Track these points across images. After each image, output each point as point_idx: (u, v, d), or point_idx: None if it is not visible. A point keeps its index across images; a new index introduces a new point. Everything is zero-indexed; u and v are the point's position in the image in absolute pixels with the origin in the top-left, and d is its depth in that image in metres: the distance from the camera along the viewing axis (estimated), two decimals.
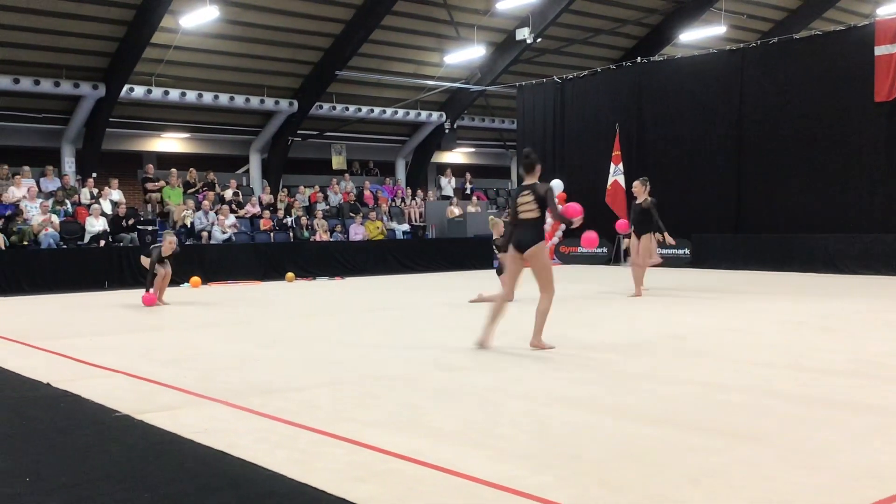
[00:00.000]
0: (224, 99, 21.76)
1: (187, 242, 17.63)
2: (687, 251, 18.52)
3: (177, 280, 15.33)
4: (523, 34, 22.22)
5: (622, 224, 12.08)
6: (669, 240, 12.16)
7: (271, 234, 19.13)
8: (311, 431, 4.48)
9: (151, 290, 11.73)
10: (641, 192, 11.87)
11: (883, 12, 21.72)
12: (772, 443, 4.11)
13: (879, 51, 15.72)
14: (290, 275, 16.42)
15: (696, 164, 18.69)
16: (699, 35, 24.73)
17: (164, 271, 11.91)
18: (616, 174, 19.42)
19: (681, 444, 4.10)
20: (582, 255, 20.78)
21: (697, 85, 18.75)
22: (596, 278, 15.62)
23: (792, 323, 8.80)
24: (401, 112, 25.04)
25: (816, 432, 4.30)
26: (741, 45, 19.76)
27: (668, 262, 18.56)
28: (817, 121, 16.69)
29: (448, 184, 26.09)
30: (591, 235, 10.40)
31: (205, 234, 17.92)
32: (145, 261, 11.88)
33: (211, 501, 3.45)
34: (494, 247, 11.80)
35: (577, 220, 7.75)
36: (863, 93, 15.93)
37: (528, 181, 7.33)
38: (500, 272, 11.67)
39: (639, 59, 20.82)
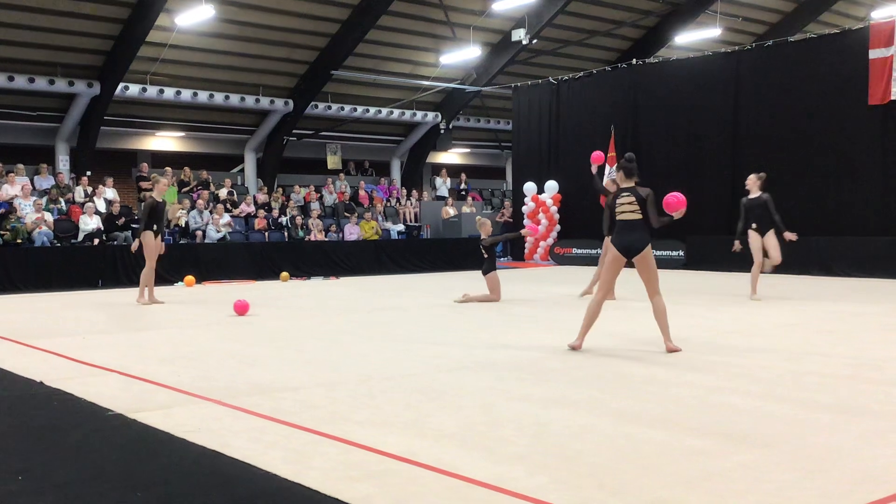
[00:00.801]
0: (219, 98, 21.72)
1: (182, 241, 17.60)
2: (681, 253, 18.54)
3: (171, 279, 15.33)
4: (519, 35, 22.25)
5: (597, 156, 10.93)
6: (790, 236, 11.37)
7: (266, 234, 19.10)
8: (306, 431, 4.46)
9: (145, 294, 11.63)
10: (755, 185, 11.41)
11: (877, 16, 21.76)
12: (772, 446, 4.10)
13: (873, 54, 15.76)
14: (284, 274, 16.38)
15: (690, 167, 18.70)
16: (694, 37, 24.78)
17: (158, 244, 11.62)
18: (611, 175, 19.38)
19: (680, 448, 4.09)
20: (576, 255, 20.78)
21: (692, 87, 18.77)
22: (589, 279, 15.58)
23: (790, 326, 8.80)
24: (396, 112, 25.03)
25: (817, 436, 4.29)
26: (736, 47, 19.80)
27: (662, 264, 18.57)
28: (812, 123, 16.72)
29: (443, 184, 26.10)
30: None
31: (199, 233, 17.87)
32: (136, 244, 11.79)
33: (203, 501, 3.43)
34: (482, 247, 11.76)
35: (681, 213, 7.64)
36: (857, 96, 15.97)
37: (626, 185, 7.34)
38: (485, 273, 11.67)
39: (634, 61, 20.84)
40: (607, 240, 7.33)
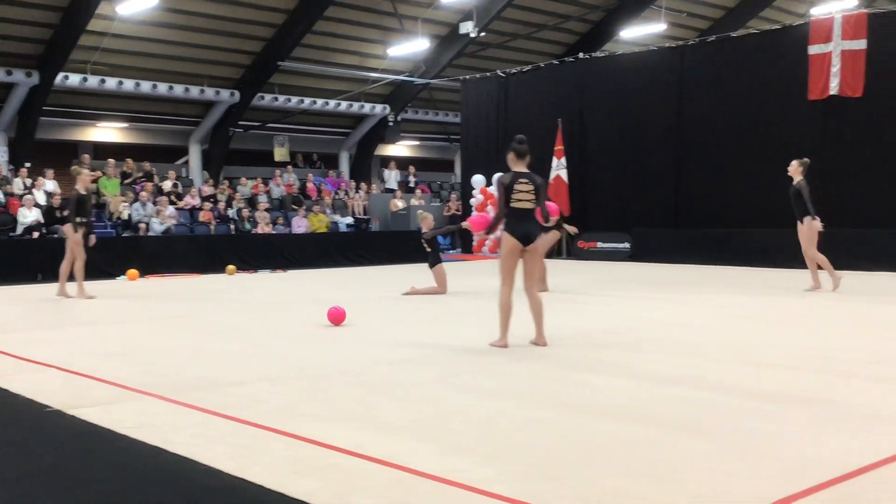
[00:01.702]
0: (163, 88, 21.33)
1: (124, 234, 17.26)
2: (627, 245, 18.77)
3: (113, 272, 15.02)
4: (467, 28, 22.26)
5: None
6: (818, 226, 11.14)
7: (212, 226, 18.83)
8: (252, 426, 4.40)
9: (67, 288, 11.35)
10: (797, 172, 11.23)
11: (817, 12, 22.27)
12: (716, 435, 4.17)
13: (813, 50, 16.11)
14: (230, 267, 16.17)
15: (636, 160, 18.93)
16: (640, 32, 25.08)
17: (79, 238, 11.25)
18: (558, 169, 19.58)
19: (626, 438, 4.13)
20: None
21: (638, 81, 18.98)
22: (556, 271, 15.71)
23: (734, 317, 8.96)
24: (344, 104, 24.87)
25: (759, 424, 4.37)
26: (680, 42, 20.07)
27: (608, 256, 18.82)
28: (754, 118, 17.03)
29: (392, 177, 26.02)
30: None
31: (142, 225, 17.56)
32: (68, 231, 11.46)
33: (145, 497, 3.37)
34: (423, 240, 11.74)
35: (555, 219, 7.60)
36: (797, 91, 16.31)
37: (520, 168, 6.87)
38: (431, 265, 11.68)
39: (581, 55, 21.00)
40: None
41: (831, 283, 11.27)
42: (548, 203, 7.61)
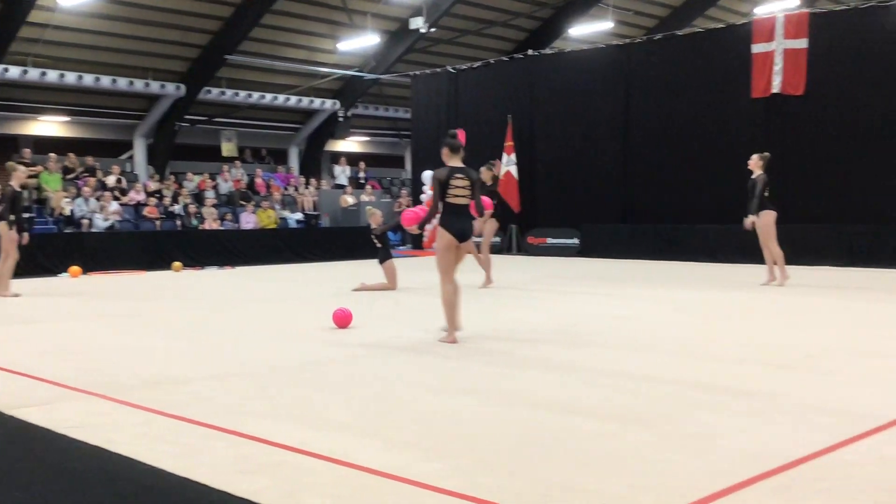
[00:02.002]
0: (106, 81, 20.90)
1: (66, 230, 16.89)
2: (576, 241, 18.94)
3: (54, 269, 14.69)
4: (417, 23, 22.19)
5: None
6: (748, 221, 11.37)
7: (157, 223, 18.52)
8: (196, 425, 4.35)
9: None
10: (757, 166, 11.35)
11: (760, 12, 22.70)
12: (659, 427, 4.23)
13: (756, 48, 16.42)
14: (176, 264, 15.93)
15: (585, 156, 19.10)
16: (588, 30, 25.29)
17: (15, 236, 10.96)
18: (509, 165, 19.67)
19: (574, 431, 4.17)
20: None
21: (586, 78, 19.16)
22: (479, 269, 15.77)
23: (679, 311, 9.11)
24: (293, 99, 24.65)
25: (701, 416, 4.45)
26: (627, 40, 20.30)
27: (557, 251, 18.97)
28: (699, 115, 17.31)
29: (342, 172, 25.87)
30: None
31: (85, 221, 17.19)
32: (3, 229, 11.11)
33: (85, 498, 3.31)
34: (373, 236, 11.71)
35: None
36: (741, 89, 16.62)
37: (455, 163, 6.85)
38: (381, 261, 11.65)
39: (530, 52, 21.12)
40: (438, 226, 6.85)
41: (779, 279, 11.51)
42: (482, 197, 7.67)
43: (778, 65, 16.14)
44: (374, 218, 11.90)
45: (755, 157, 11.54)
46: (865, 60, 15.23)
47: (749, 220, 11.42)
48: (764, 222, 11.39)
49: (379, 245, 11.67)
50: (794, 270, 12.76)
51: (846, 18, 15.73)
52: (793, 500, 3.15)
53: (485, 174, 11.96)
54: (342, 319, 7.80)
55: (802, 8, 20.49)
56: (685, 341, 6.97)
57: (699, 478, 3.42)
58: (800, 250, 14.83)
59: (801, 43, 15.90)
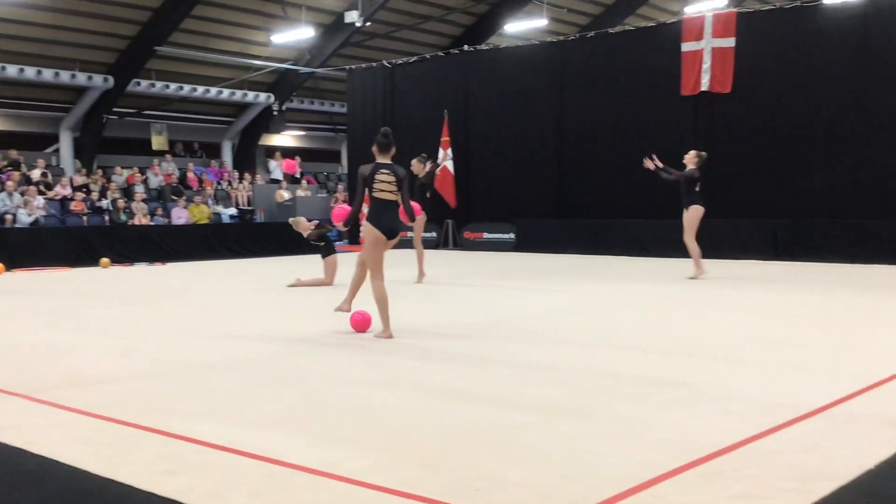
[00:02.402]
0: (30, 73, 20.26)
1: None
2: (512, 235, 19.08)
3: None
4: (352, 17, 22.05)
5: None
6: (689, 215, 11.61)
7: (84, 218, 18.05)
8: (121, 424, 4.24)
9: None
10: (692, 161, 11.55)
11: (690, 11, 23.15)
12: (587, 418, 4.29)
13: (685, 47, 16.75)
14: (104, 260, 15.54)
15: (520, 152, 19.23)
16: (523, 26, 25.47)
17: None
18: (445, 160, 19.70)
19: (504, 424, 4.19)
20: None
21: (521, 74, 19.29)
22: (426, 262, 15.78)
23: (609, 304, 9.25)
24: (226, 92, 24.25)
25: (629, 407, 4.53)
26: (561, 37, 20.50)
27: (493, 246, 19.09)
28: (631, 112, 17.58)
29: (277, 167, 25.57)
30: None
31: (9, 217, 16.65)
32: None
33: (6, 501, 3.20)
34: (311, 242, 11.56)
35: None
36: (671, 86, 16.93)
37: (383, 160, 6.80)
38: (324, 256, 11.56)
39: (466, 47, 21.17)
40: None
41: (694, 272, 11.78)
42: (413, 203, 7.64)
43: (706, 63, 16.49)
44: (300, 226, 11.72)
45: (692, 153, 11.81)
46: (790, 59, 15.67)
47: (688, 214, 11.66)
48: (690, 216, 11.66)
49: (322, 243, 11.53)
50: (719, 264, 13.08)
51: (772, 18, 16.15)
52: (719, 489, 3.22)
53: (415, 166, 11.94)
54: (360, 324, 7.22)
55: (730, 7, 20.96)
56: (614, 334, 7.08)
57: (627, 467, 3.47)
58: (726, 244, 15.22)
59: (729, 42, 16.27)
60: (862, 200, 14.95)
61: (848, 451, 3.67)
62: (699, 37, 16.59)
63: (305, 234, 11.62)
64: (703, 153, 11.96)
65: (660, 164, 11.92)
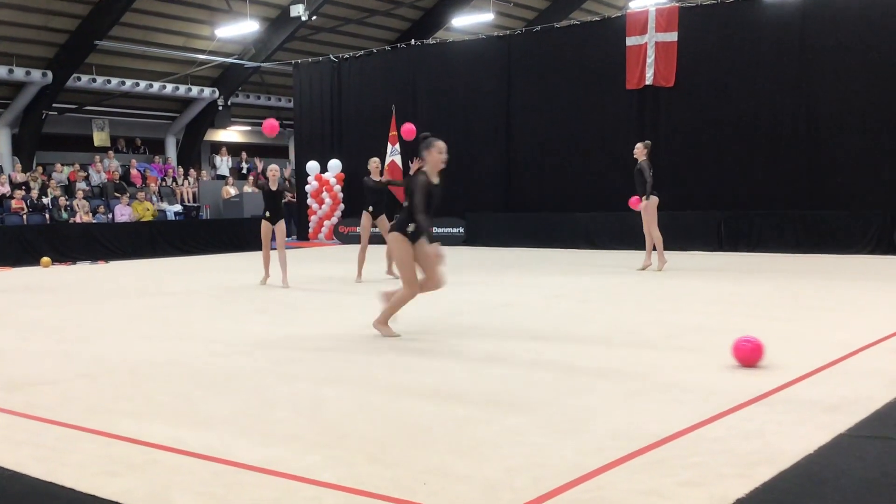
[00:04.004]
0: None
1: None
2: (461, 230, 19.12)
3: None
4: (298, 11, 21.85)
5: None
6: (644, 202, 11.62)
7: (24, 216, 17.61)
8: (62, 426, 4.15)
9: None
10: (641, 153, 11.57)
11: (634, 5, 23.41)
12: (534, 411, 4.32)
13: (630, 41, 16.94)
14: (45, 259, 15.18)
15: (469, 145, 19.24)
16: (470, 21, 25.50)
17: None
18: (393, 154, 19.63)
19: (452, 418, 4.20)
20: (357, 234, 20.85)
21: (469, 69, 19.32)
22: (374, 257, 15.73)
23: (556, 297, 9.32)
24: (169, 87, 23.84)
25: (575, 398, 4.57)
26: (508, 31, 20.58)
27: (442, 240, 19.07)
28: (576, 106, 17.73)
29: (223, 163, 25.24)
30: (271, 123, 10.42)
31: None
32: None
33: None
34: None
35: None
36: (616, 80, 17.11)
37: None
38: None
39: (413, 42, 21.12)
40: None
41: (657, 263, 11.93)
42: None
43: (651, 57, 16.70)
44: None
45: (640, 145, 11.90)
46: (732, 53, 15.94)
47: (643, 204, 11.73)
48: (651, 206, 11.81)
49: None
50: (666, 255, 13.26)
51: (714, 12, 16.41)
52: (664, 476, 3.26)
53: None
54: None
55: (673, 2, 21.25)
56: (561, 326, 7.14)
57: (573, 458, 3.50)
58: (672, 235, 15.39)
59: (672, 36, 16.50)
60: (804, 192, 15.31)
61: (788, 436, 3.75)
62: (643, 31, 16.79)
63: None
64: (649, 142, 12.10)
65: (645, 202, 11.79)
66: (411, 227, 6.39)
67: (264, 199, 11.03)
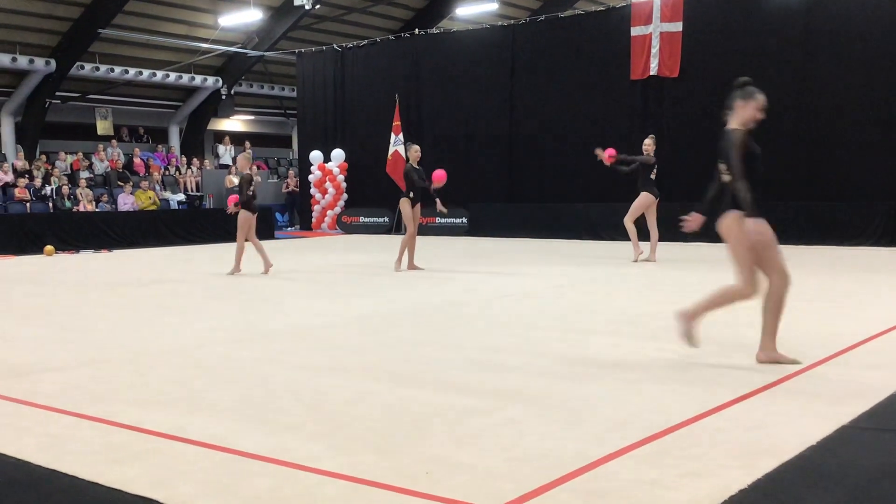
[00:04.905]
0: None
1: None
2: (464, 220, 19.11)
3: None
4: (301, 0, 21.77)
5: (439, 175, 11.13)
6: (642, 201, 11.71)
7: (27, 205, 17.62)
8: (66, 414, 4.16)
9: None
10: (650, 148, 11.66)
11: None
12: (538, 401, 4.32)
13: (634, 31, 16.89)
14: (48, 248, 15.20)
15: (472, 136, 19.25)
16: (474, 10, 25.38)
17: None
18: (396, 144, 19.61)
19: (454, 407, 4.20)
20: (364, 224, 20.87)
21: (472, 59, 19.28)
22: (377, 247, 15.75)
23: (559, 287, 9.31)
24: (173, 76, 23.79)
25: (577, 388, 4.57)
26: (512, 21, 20.50)
27: (446, 230, 19.10)
28: (580, 96, 17.68)
29: (226, 152, 25.21)
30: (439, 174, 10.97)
31: None
32: None
33: None
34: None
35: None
36: (621, 71, 17.06)
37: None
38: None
39: (417, 31, 21.06)
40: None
41: (633, 254, 12.01)
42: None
43: (655, 47, 16.65)
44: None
45: (650, 139, 11.88)
46: (736, 43, 15.88)
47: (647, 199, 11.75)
48: (640, 201, 11.81)
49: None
50: (670, 246, 13.25)
51: (718, 2, 16.34)
52: (666, 467, 3.27)
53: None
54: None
55: None
56: (561, 316, 7.14)
57: (576, 448, 3.50)
58: (675, 228, 15.40)
59: (677, 26, 16.44)
60: (809, 182, 15.27)
61: (790, 428, 3.75)
62: (648, 21, 16.73)
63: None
64: (652, 135, 12.11)
65: (616, 155, 11.86)
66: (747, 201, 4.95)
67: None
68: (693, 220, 5.27)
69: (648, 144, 11.81)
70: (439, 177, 11.09)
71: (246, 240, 10.98)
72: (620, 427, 3.79)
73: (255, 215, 11.01)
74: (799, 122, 15.39)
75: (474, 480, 3.16)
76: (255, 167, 10.36)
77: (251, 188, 10.84)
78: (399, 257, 11.21)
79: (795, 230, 14.92)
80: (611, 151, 11.88)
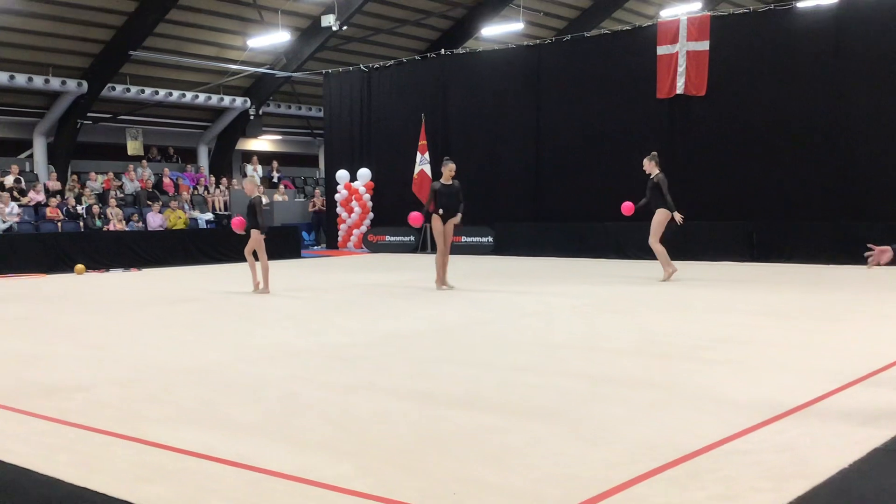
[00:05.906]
0: (3, 77, 20.03)
1: None
2: (490, 239, 19.10)
3: None
4: (329, 21, 22.00)
5: (415, 217, 11.26)
6: (678, 218, 11.64)
7: (59, 224, 17.88)
8: (97, 433, 4.20)
9: None
10: (651, 167, 11.69)
11: (665, 14, 23.32)
12: (564, 420, 4.30)
13: (661, 50, 16.87)
14: (79, 266, 15.39)
15: (498, 155, 19.28)
16: (500, 30, 25.54)
17: None
18: (422, 163, 19.71)
19: (480, 426, 4.20)
20: (390, 243, 20.94)
21: (498, 78, 19.34)
22: (403, 266, 15.79)
23: (585, 307, 9.28)
24: (202, 96, 24.10)
25: (605, 409, 4.55)
26: (538, 41, 20.58)
27: (472, 249, 19.11)
28: (607, 115, 17.67)
29: (254, 172, 25.45)
30: (414, 216, 10.99)
31: None
32: None
33: None
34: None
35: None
36: (647, 90, 17.04)
37: None
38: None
39: (443, 51, 21.19)
40: None
41: (663, 274, 11.86)
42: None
43: (681, 66, 16.62)
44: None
45: (647, 159, 11.85)
46: (764, 62, 15.82)
47: (679, 216, 11.68)
48: (657, 220, 11.75)
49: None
50: (695, 265, 13.16)
51: (746, 21, 16.30)
52: (696, 489, 3.24)
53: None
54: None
55: (705, 11, 21.14)
56: (589, 336, 7.11)
57: (604, 469, 3.48)
58: (701, 246, 15.32)
59: (703, 45, 16.41)
60: (838, 201, 15.11)
61: (822, 450, 3.70)
62: (674, 40, 16.71)
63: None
64: (654, 153, 12.03)
65: (633, 206, 11.96)
66: None
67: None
68: (881, 254, 5.09)
69: (649, 165, 11.78)
70: (415, 219, 11.20)
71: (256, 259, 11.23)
72: (648, 448, 3.77)
73: (264, 237, 11.27)
74: (828, 140, 15.26)
75: (501, 501, 3.15)
76: (261, 188, 10.68)
77: (261, 211, 11.13)
78: (438, 275, 11.26)
79: (825, 249, 14.73)
80: (627, 205, 11.88)
